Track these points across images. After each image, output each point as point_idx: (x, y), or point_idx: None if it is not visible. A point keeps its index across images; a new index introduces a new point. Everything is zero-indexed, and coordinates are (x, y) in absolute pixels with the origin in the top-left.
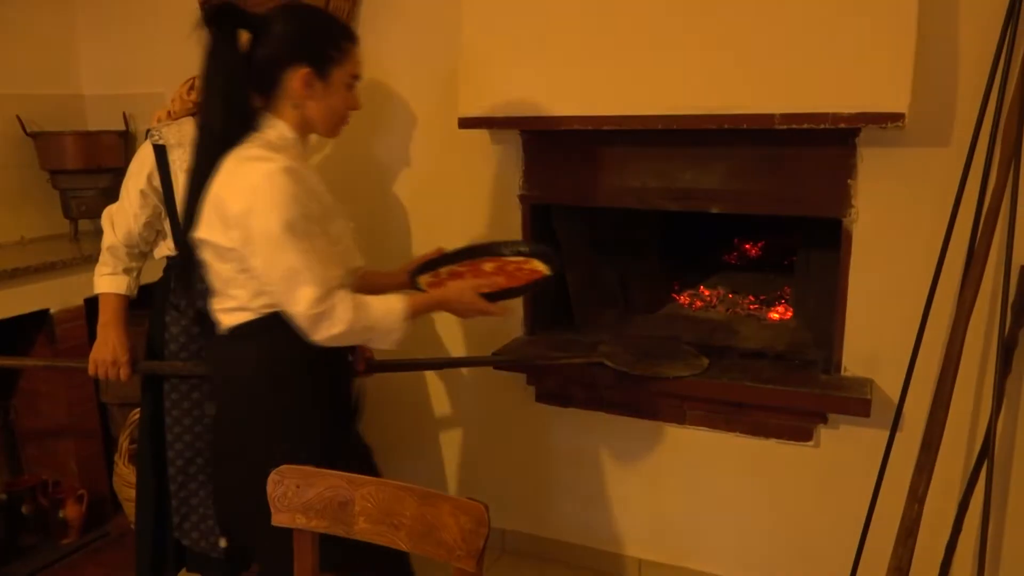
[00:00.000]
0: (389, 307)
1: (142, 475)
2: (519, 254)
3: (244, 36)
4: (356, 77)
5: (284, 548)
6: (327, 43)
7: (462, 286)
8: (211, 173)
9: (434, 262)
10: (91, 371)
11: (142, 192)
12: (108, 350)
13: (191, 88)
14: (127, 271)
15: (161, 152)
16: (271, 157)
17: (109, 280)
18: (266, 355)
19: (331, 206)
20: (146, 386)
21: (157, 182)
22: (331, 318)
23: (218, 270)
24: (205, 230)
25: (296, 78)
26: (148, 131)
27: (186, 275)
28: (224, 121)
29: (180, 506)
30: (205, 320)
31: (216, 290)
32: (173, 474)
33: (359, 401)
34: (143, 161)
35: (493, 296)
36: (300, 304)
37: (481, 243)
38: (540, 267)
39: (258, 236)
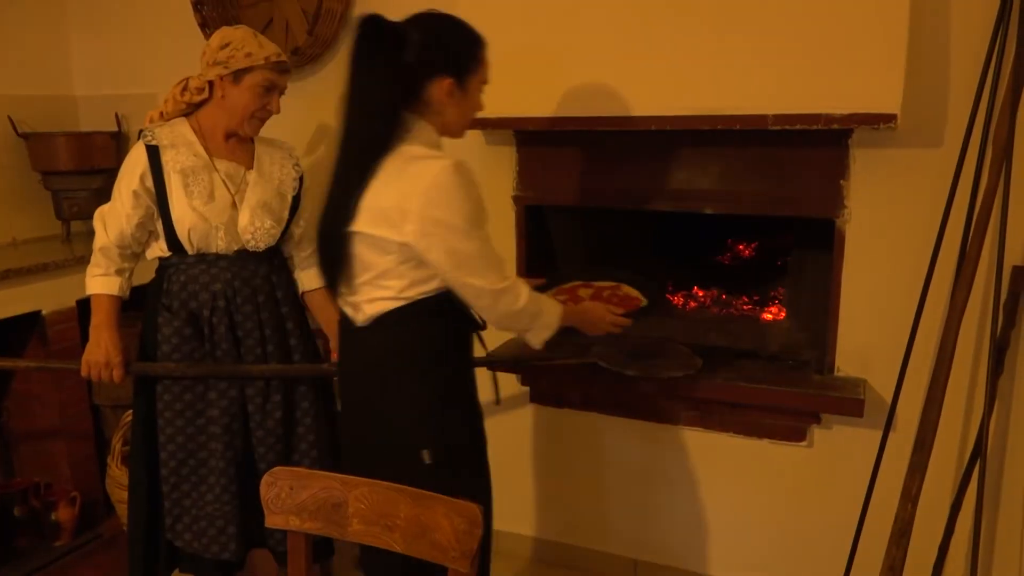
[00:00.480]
0: (552, 304)
1: (135, 476)
2: (609, 279)
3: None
4: (485, 82)
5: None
6: (467, 54)
7: (596, 304)
8: (365, 177)
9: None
10: (84, 372)
11: (135, 193)
12: (101, 351)
13: (184, 89)
14: (119, 272)
15: (154, 153)
16: (438, 155)
17: (101, 281)
18: (416, 340)
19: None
20: (139, 388)
21: (150, 183)
22: (513, 293)
23: (374, 262)
24: (370, 226)
25: (440, 88)
26: (141, 131)
27: (342, 270)
28: (379, 128)
29: (173, 507)
30: (197, 322)
31: (363, 282)
32: (166, 475)
33: (497, 390)
34: (136, 162)
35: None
36: (487, 279)
37: (598, 268)
38: (632, 292)
39: (441, 228)
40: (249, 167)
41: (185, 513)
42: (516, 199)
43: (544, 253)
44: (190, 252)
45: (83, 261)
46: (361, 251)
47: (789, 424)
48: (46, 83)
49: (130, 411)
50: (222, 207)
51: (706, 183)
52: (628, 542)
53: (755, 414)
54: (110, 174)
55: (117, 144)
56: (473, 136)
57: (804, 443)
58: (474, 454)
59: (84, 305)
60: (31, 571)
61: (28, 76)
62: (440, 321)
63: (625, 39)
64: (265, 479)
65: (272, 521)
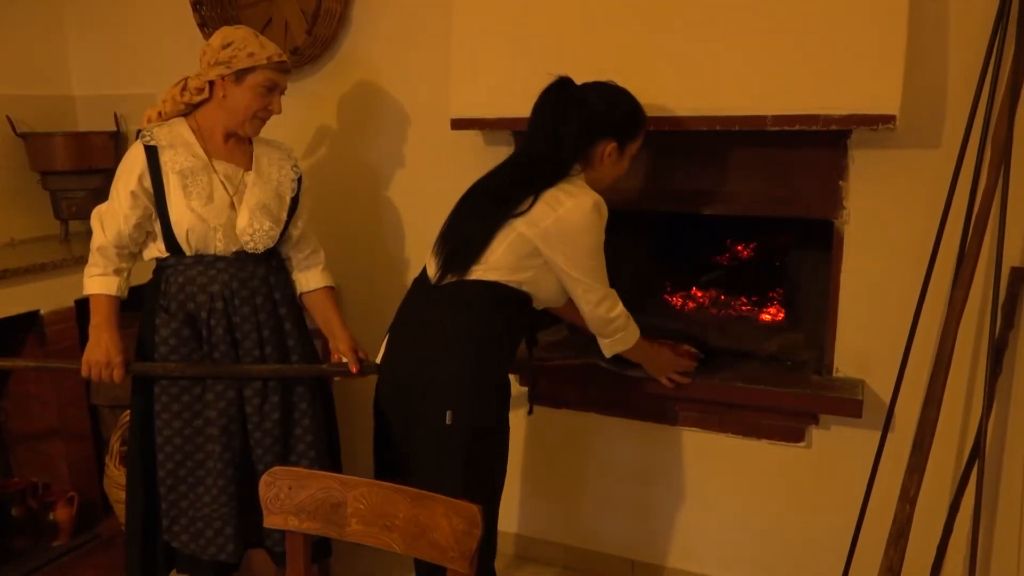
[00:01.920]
0: (635, 328)
1: (132, 477)
2: (676, 338)
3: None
4: (635, 152)
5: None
6: (633, 124)
7: (667, 350)
8: (528, 195)
9: None
10: (84, 372)
11: (132, 193)
12: (101, 351)
13: (183, 89)
14: (117, 272)
15: (152, 153)
16: (591, 194)
17: (100, 281)
18: (487, 316)
19: None
20: (136, 388)
21: (148, 183)
22: (613, 300)
23: (501, 252)
24: (533, 231)
25: (606, 149)
26: (139, 131)
27: (466, 256)
28: (557, 162)
29: (170, 508)
30: (195, 323)
31: (480, 259)
32: (163, 476)
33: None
34: (134, 162)
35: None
36: (602, 285)
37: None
38: (690, 349)
39: (581, 247)
40: (247, 168)
41: (182, 514)
42: None
43: None
44: (188, 253)
45: (81, 261)
46: (508, 236)
47: (787, 425)
48: (44, 83)
49: (128, 411)
50: (220, 208)
51: (704, 184)
52: (626, 542)
53: (753, 415)
54: (108, 174)
55: (115, 144)
56: (472, 136)
57: (802, 444)
58: (498, 436)
59: (82, 305)
60: (29, 571)
61: (26, 76)
62: (511, 312)
63: (623, 40)
64: (264, 479)
65: (271, 521)
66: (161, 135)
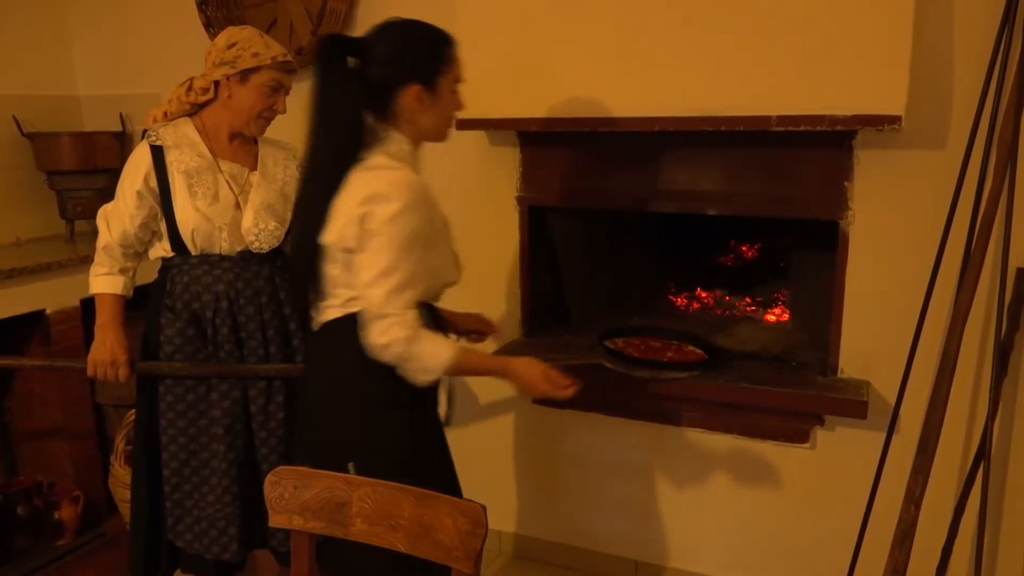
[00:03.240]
0: (438, 351)
1: (136, 476)
2: (681, 339)
3: (351, 61)
4: (459, 80)
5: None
6: (432, 57)
7: (531, 361)
8: (332, 190)
9: (620, 330)
10: (90, 372)
11: (138, 193)
12: (107, 351)
13: (188, 89)
14: (123, 271)
15: (158, 153)
16: (396, 166)
17: (105, 280)
18: (353, 351)
19: (443, 220)
20: (141, 387)
21: (154, 183)
22: (386, 325)
23: (333, 274)
24: (332, 236)
25: (408, 96)
26: (145, 131)
27: (301, 284)
28: (346, 146)
29: (174, 508)
30: (200, 322)
31: (325, 292)
32: (167, 475)
33: (450, 408)
34: (140, 161)
35: (663, 366)
36: (375, 297)
37: (654, 326)
38: (696, 350)
39: (371, 234)
40: (253, 168)
41: (186, 514)
42: (519, 200)
43: (546, 254)
44: (193, 253)
45: (87, 260)
46: (328, 261)
47: (792, 426)
48: (50, 83)
49: (133, 411)
50: (226, 208)
51: (709, 184)
52: (629, 543)
53: (758, 416)
54: (114, 174)
55: (121, 144)
56: (477, 137)
57: (807, 445)
58: (413, 476)
59: (88, 305)
60: (33, 570)
61: (32, 76)
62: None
63: (629, 40)
64: (269, 478)
65: (276, 520)
66: (167, 135)
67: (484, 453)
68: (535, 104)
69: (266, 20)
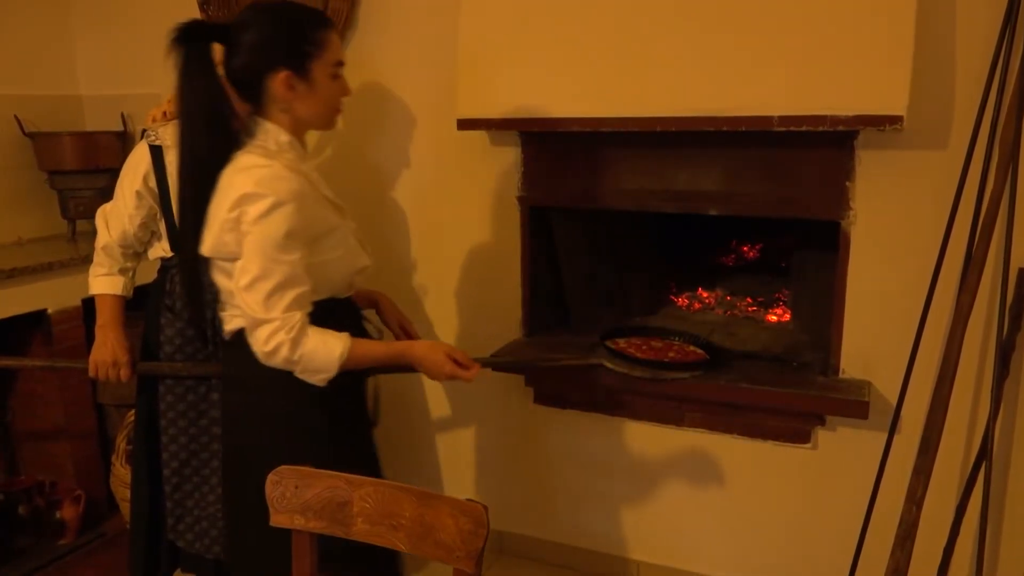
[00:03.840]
0: (328, 348)
1: (136, 476)
2: (682, 339)
3: (218, 49)
4: (339, 64)
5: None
6: (299, 40)
7: (434, 344)
8: (206, 193)
9: (621, 330)
10: (91, 372)
11: (138, 193)
12: (108, 351)
13: None
14: (122, 271)
15: (157, 153)
16: (266, 164)
17: (105, 281)
18: (255, 362)
19: (329, 213)
20: (142, 387)
21: (153, 183)
22: (268, 331)
23: (223, 283)
24: (210, 244)
25: (277, 83)
26: (144, 131)
27: (195, 296)
28: (210, 142)
29: (175, 507)
30: (200, 322)
31: (224, 301)
32: (168, 475)
33: (375, 407)
34: (139, 161)
35: (664, 366)
36: (253, 303)
37: (655, 326)
38: (697, 351)
39: (245, 236)
40: None
41: (187, 513)
42: (521, 200)
43: (547, 254)
44: None
45: (88, 260)
46: (213, 270)
47: (793, 426)
48: (52, 83)
49: (133, 411)
50: None
51: (711, 184)
52: (632, 543)
53: (759, 416)
54: (115, 173)
55: (122, 144)
56: (478, 137)
57: (808, 445)
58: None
59: (89, 304)
60: (35, 569)
61: (34, 76)
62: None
63: (630, 40)
64: (270, 478)
65: (277, 520)
66: (166, 135)
67: (484, 453)
68: (536, 104)
69: None
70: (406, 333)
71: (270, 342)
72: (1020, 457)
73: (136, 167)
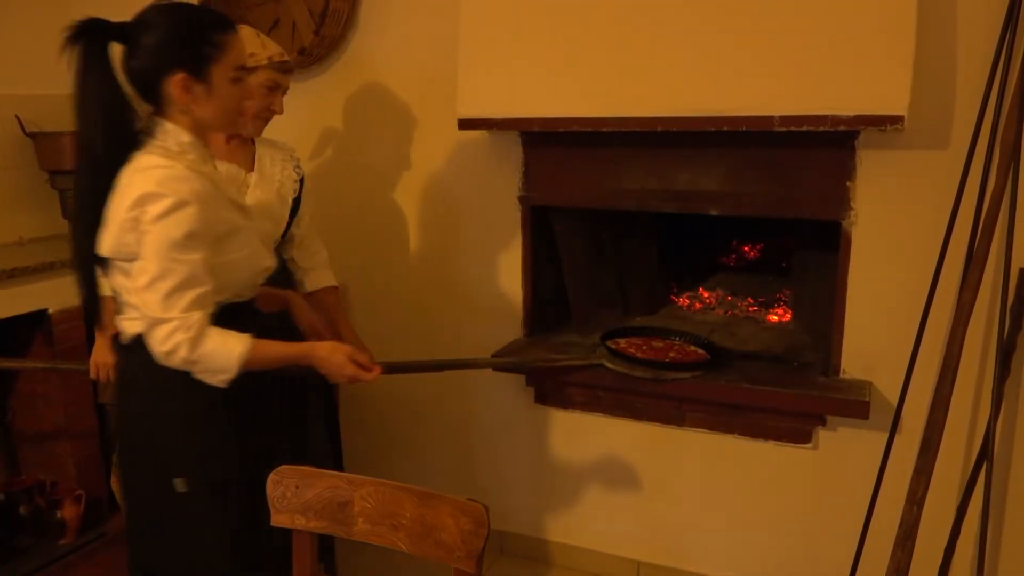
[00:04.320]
0: (228, 348)
1: None
2: (683, 339)
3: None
4: (242, 69)
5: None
6: (197, 43)
7: (335, 346)
8: (104, 193)
9: (622, 331)
10: (92, 374)
11: None
12: (109, 352)
13: None
14: None
15: None
16: (167, 164)
17: (104, 283)
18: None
19: (232, 214)
20: None
21: None
22: (166, 331)
23: (122, 284)
24: (109, 245)
25: (173, 85)
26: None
27: (90, 298)
28: (107, 142)
29: None
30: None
31: (122, 303)
32: None
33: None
34: None
35: (665, 366)
36: (152, 303)
37: (656, 327)
38: (698, 351)
39: (144, 236)
40: (250, 169)
41: None
42: (522, 200)
43: (548, 254)
44: None
45: None
46: (113, 273)
47: (794, 426)
48: (53, 82)
49: None
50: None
51: (712, 184)
52: (633, 543)
53: (760, 416)
54: None
55: None
56: (479, 137)
57: (809, 445)
58: (245, 488)
59: None
60: (35, 569)
61: (35, 75)
62: None
63: (631, 40)
64: (271, 478)
65: (278, 520)
66: None
67: (485, 452)
68: (537, 104)
69: (268, 20)
70: (317, 335)
71: (168, 342)
72: (1021, 457)
73: None
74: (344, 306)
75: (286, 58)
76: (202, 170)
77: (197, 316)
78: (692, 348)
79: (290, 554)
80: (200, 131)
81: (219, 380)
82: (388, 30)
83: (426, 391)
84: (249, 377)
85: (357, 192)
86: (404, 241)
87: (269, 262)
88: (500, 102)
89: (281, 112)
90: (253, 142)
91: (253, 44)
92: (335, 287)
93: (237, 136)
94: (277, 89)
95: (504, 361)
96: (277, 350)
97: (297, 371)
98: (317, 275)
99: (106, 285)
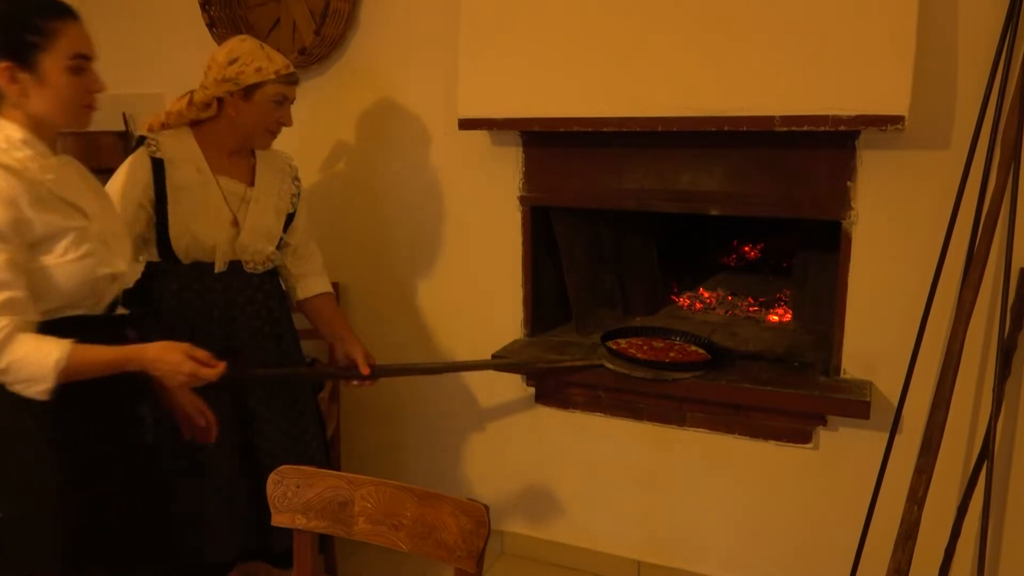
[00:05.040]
0: (42, 354)
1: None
2: (684, 339)
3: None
4: (80, 57)
5: None
6: (22, 30)
7: (168, 345)
8: None
9: (622, 331)
10: None
11: (140, 205)
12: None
13: (189, 103)
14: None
15: (158, 166)
16: None
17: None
18: None
19: (56, 216)
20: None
21: (152, 195)
22: None
23: None
24: None
25: None
26: (141, 138)
27: None
28: None
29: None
30: (191, 331)
31: None
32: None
33: (157, 427)
34: (139, 173)
35: (665, 366)
36: None
37: (656, 327)
38: (699, 351)
39: None
40: (250, 183)
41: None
42: (522, 200)
43: (549, 254)
44: (184, 262)
45: None
46: None
47: (795, 426)
48: None
49: None
50: (222, 227)
51: (712, 184)
52: (633, 543)
53: (760, 416)
54: None
55: (124, 144)
56: (479, 136)
57: (810, 445)
58: (55, 531)
59: None
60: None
61: None
62: None
63: (632, 40)
64: (272, 478)
65: (278, 520)
66: (167, 146)
67: (485, 452)
68: (538, 104)
69: (269, 20)
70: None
71: None
72: (1022, 457)
73: (135, 179)
74: (341, 308)
75: (292, 70)
76: (28, 168)
77: (4, 321)
78: (693, 348)
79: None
80: (37, 127)
81: (37, 391)
82: (389, 30)
83: (426, 391)
84: (79, 387)
85: (357, 192)
86: (404, 241)
87: (111, 268)
88: (500, 102)
89: (290, 124)
90: (253, 154)
91: (259, 58)
92: (329, 293)
93: (241, 149)
94: (285, 102)
95: (504, 363)
96: (102, 354)
97: (135, 375)
98: (309, 282)
99: None
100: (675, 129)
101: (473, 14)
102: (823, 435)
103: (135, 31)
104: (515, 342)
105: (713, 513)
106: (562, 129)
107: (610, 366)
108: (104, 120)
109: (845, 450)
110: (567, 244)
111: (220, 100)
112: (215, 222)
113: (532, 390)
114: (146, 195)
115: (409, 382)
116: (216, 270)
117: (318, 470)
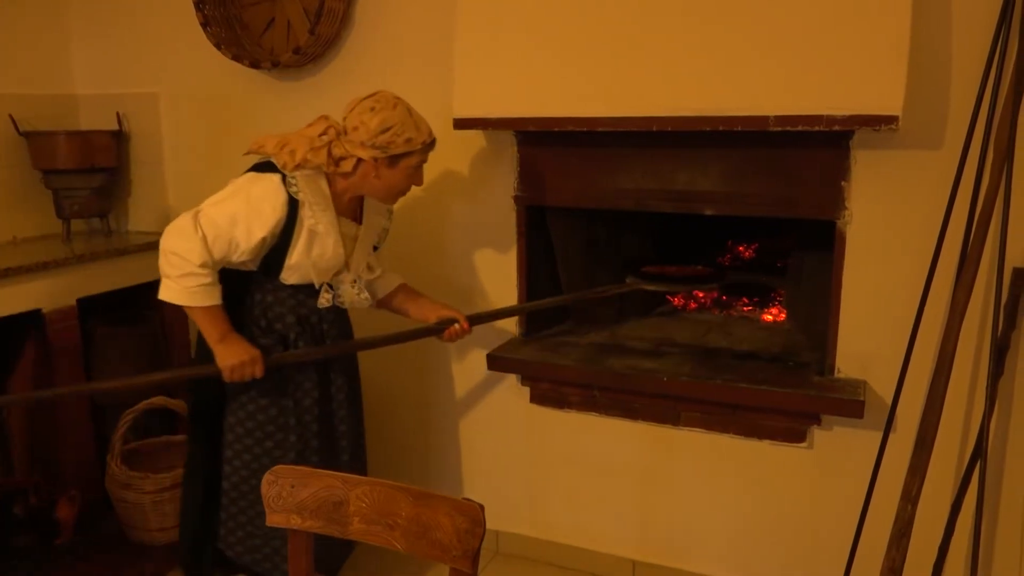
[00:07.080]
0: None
1: (190, 492)
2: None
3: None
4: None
5: None
6: None
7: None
8: None
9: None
10: (228, 377)
11: (263, 239)
12: (243, 351)
13: (329, 156)
14: (215, 283)
15: (294, 205)
16: None
17: (212, 292)
18: None
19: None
20: (203, 408)
21: (279, 230)
22: None
23: None
24: None
25: None
26: (283, 175)
27: None
28: None
29: (228, 519)
30: (286, 340)
31: None
32: (227, 488)
33: None
34: (274, 208)
35: (695, 280)
36: None
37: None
38: (705, 269)
39: None
40: (360, 222)
41: (239, 528)
42: (517, 199)
43: (544, 253)
44: (285, 283)
45: (83, 260)
46: None
47: (789, 425)
48: (47, 82)
49: (130, 410)
50: (334, 265)
51: (707, 184)
52: (628, 542)
53: (755, 415)
54: (111, 173)
55: (118, 143)
56: (474, 136)
57: (804, 444)
58: None
59: (84, 304)
60: (31, 570)
61: (29, 75)
62: None
63: (626, 40)
64: (266, 478)
65: (273, 520)
66: (304, 187)
67: (480, 452)
68: (533, 103)
69: (264, 19)
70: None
71: None
72: (1015, 454)
73: (270, 212)
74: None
75: (434, 137)
76: None
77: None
78: (700, 268)
79: None
80: None
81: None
82: (384, 29)
83: (421, 391)
84: None
85: None
86: (399, 240)
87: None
88: (495, 101)
89: (421, 184)
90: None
91: (408, 128)
92: (403, 283)
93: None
94: (422, 166)
95: (532, 305)
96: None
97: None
98: (387, 279)
99: (217, 295)
100: (669, 129)
101: (468, 14)
102: (817, 434)
103: (130, 30)
104: (511, 340)
105: (708, 512)
106: (557, 129)
107: (649, 287)
108: (97, 119)
109: (840, 449)
110: (562, 243)
111: (360, 159)
112: (332, 263)
113: (527, 390)
114: (275, 230)
115: (404, 382)
116: (319, 304)
117: (312, 470)
